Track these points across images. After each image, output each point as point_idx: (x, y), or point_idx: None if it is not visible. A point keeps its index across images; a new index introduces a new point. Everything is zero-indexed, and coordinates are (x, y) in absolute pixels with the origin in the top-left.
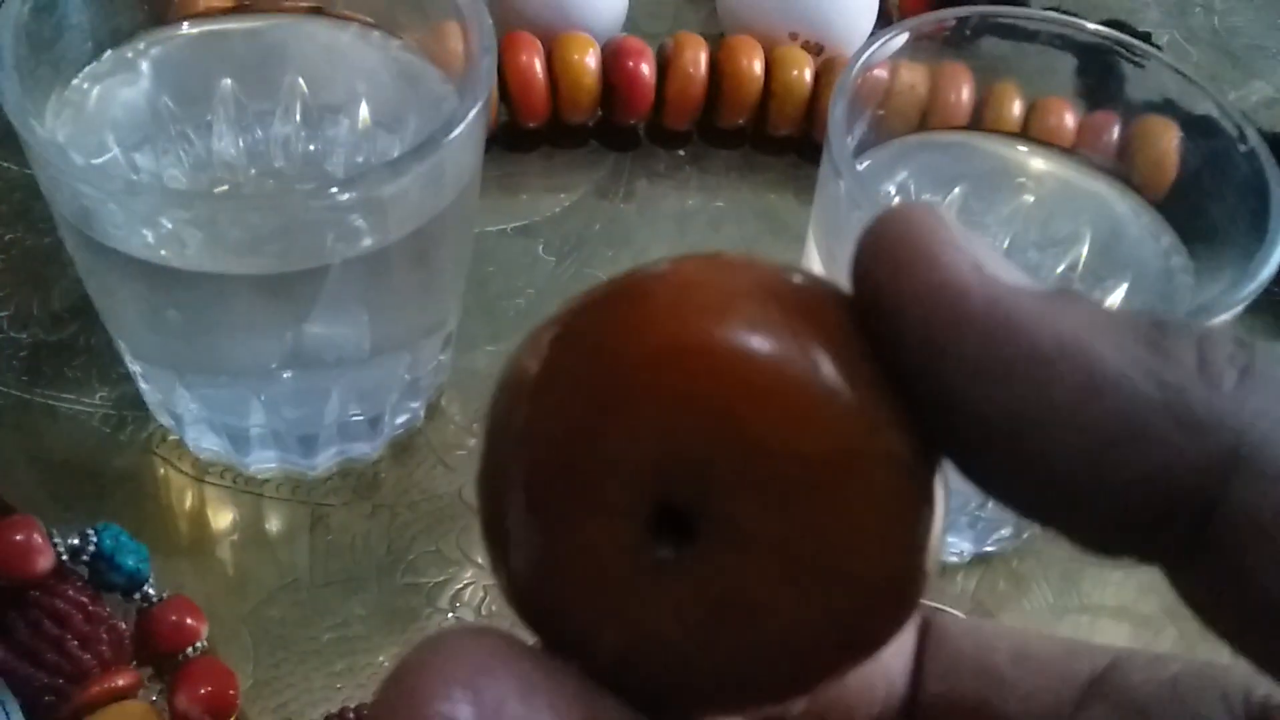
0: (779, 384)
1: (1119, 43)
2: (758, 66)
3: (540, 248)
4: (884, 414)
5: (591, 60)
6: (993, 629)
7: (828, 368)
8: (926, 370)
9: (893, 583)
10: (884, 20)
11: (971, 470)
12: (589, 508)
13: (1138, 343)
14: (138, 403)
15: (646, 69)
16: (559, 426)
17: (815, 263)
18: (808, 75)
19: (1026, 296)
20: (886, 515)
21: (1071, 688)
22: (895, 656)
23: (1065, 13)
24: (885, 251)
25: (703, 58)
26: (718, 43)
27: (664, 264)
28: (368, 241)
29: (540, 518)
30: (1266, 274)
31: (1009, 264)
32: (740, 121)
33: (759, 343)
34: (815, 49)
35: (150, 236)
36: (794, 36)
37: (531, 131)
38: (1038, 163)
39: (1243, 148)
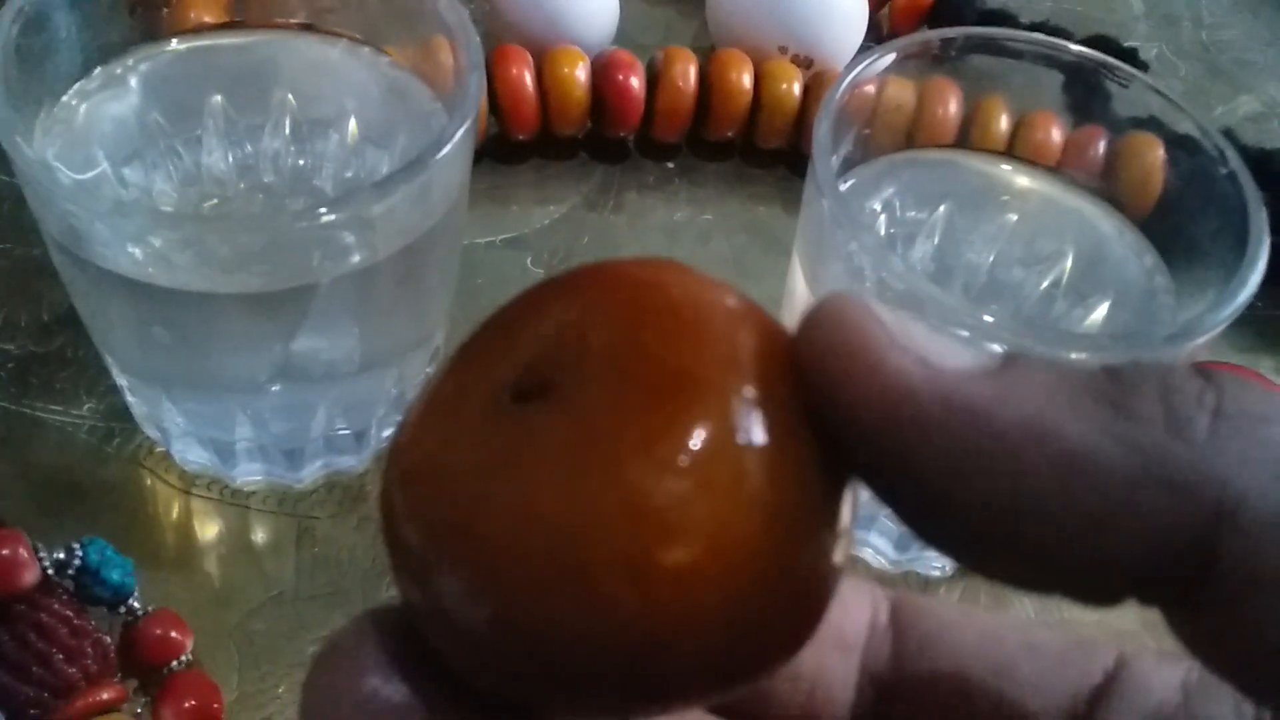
0: (685, 312)
1: (1102, 64)
2: (747, 80)
3: (529, 260)
4: (770, 397)
5: (581, 73)
6: (993, 619)
7: (743, 335)
8: (897, 474)
9: (679, 532)
10: (874, 34)
11: (959, 555)
12: (486, 352)
13: (1100, 406)
14: (125, 415)
15: (636, 82)
16: (506, 309)
17: (799, 281)
18: (797, 89)
19: (977, 380)
20: (714, 463)
21: (1086, 684)
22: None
23: (1052, 28)
24: (826, 361)
25: (692, 71)
26: (708, 56)
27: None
28: (356, 259)
29: (454, 362)
30: (1244, 296)
31: (951, 344)
32: (729, 134)
33: (684, 289)
34: (805, 63)
35: (138, 255)
36: (784, 50)
37: (522, 143)
38: (1022, 181)
39: (1223, 169)
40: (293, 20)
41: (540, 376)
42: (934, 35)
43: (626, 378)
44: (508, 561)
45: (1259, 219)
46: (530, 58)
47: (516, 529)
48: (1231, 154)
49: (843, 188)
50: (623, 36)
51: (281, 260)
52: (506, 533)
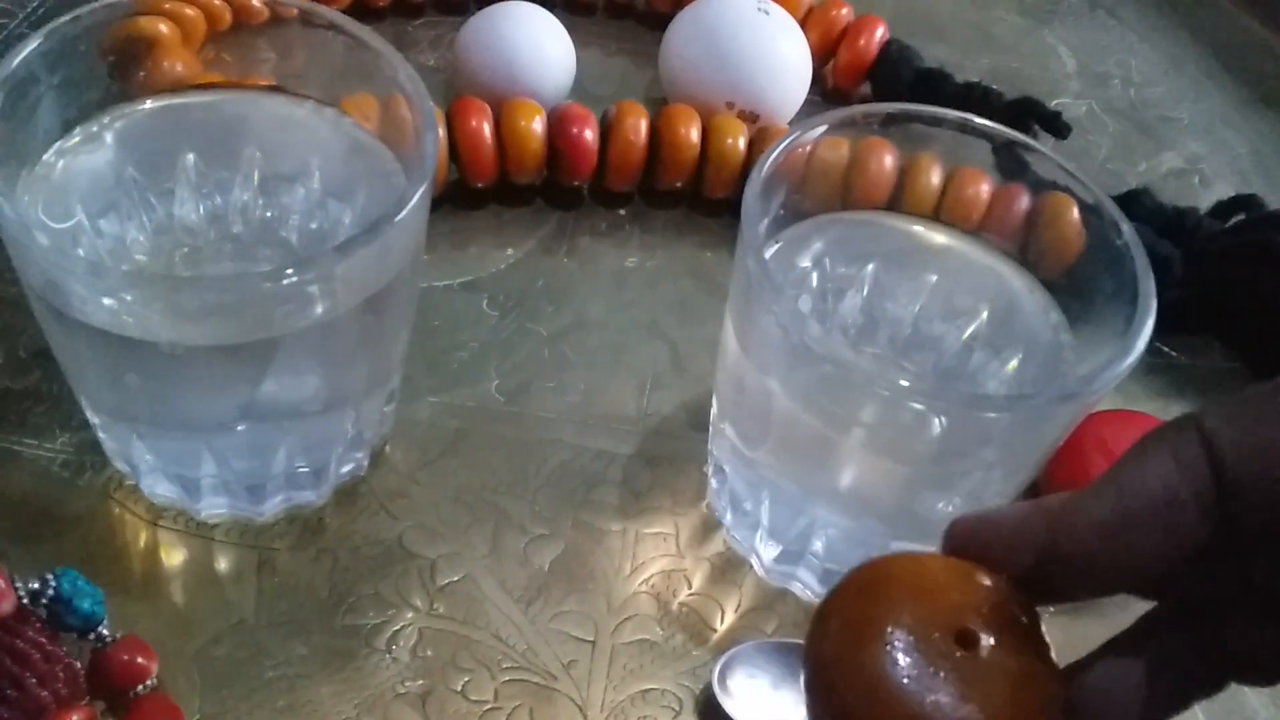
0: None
1: (1014, 140)
2: (695, 134)
3: (485, 302)
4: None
5: (538, 125)
6: None
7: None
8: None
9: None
10: (818, 88)
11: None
12: (925, 631)
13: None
14: (97, 449)
15: (590, 134)
16: (896, 604)
17: (731, 337)
18: (742, 143)
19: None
20: (1043, 662)
21: None
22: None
23: (983, 89)
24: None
25: (643, 125)
26: (658, 109)
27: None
28: (318, 311)
29: (904, 637)
30: (1131, 359)
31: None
32: (678, 184)
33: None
34: (751, 117)
35: (111, 308)
36: (731, 105)
37: (480, 191)
38: (945, 241)
39: (1118, 240)
40: (261, 82)
41: (965, 639)
42: (858, 111)
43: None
44: None
45: (1147, 286)
46: (489, 110)
47: None
48: (1126, 225)
49: (774, 247)
50: (579, 87)
51: (247, 315)
52: None
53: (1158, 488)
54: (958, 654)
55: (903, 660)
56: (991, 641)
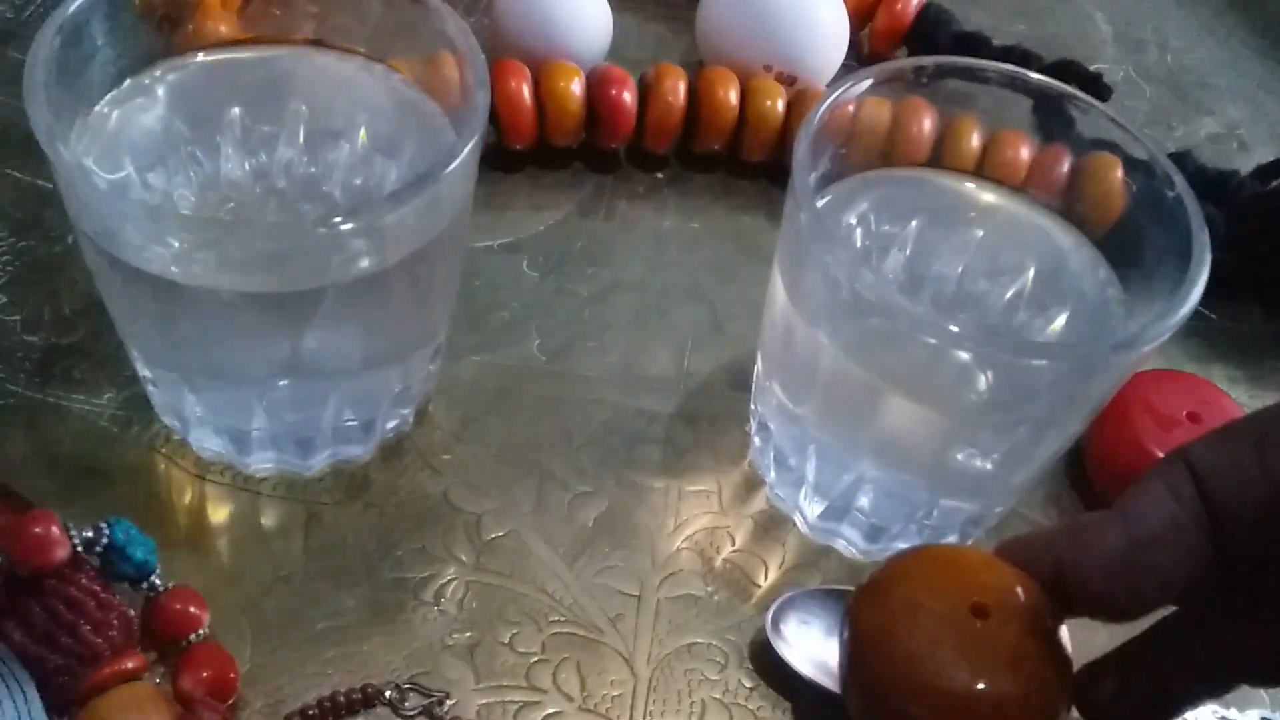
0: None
1: (1063, 93)
2: (733, 96)
3: (525, 263)
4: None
5: (576, 88)
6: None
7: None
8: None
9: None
10: (855, 53)
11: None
12: (944, 601)
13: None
14: (143, 404)
15: (628, 97)
16: (925, 578)
17: (780, 290)
18: (780, 106)
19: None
20: (1050, 647)
21: None
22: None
23: (1021, 52)
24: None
25: (681, 87)
26: (696, 71)
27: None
28: (366, 263)
29: (924, 604)
30: (1187, 309)
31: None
32: (716, 147)
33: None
34: (788, 80)
35: (165, 255)
36: (768, 68)
37: (519, 153)
38: (988, 198)
39: (1170, 193)
40: (306, 37)
41: (979, 611)
42: (907, 64)
43: (1009, 612)
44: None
45: (1201, 239)
46: (528, 72)
47: (988, 703)
48: (1179, 178)
49: (820, 203)
50: (616, 52)
51: (298, 264)
52: (977, 701)
53: (1157, 515)
54: (973, 623)
55: (917, 616)
56: (1002, 618)
